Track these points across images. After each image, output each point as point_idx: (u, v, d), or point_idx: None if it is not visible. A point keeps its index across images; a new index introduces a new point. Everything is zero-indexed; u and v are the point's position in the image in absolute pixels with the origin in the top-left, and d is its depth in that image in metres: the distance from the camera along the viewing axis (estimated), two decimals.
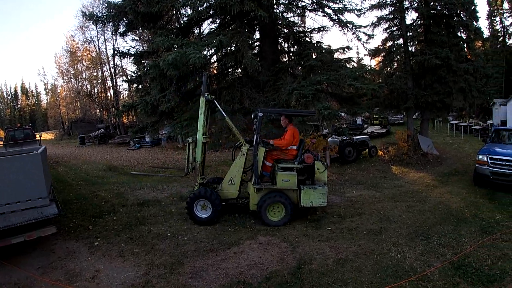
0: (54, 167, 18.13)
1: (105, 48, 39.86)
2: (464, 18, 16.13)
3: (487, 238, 6.56)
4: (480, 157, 10.40)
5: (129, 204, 9.56)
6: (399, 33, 17.21)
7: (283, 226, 7.42)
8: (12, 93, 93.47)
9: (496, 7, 44.45)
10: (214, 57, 12.84)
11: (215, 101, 7.98)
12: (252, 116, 7.89)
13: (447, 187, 10.85)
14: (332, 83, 10.40)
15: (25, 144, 16.42)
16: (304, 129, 10.65)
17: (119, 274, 5.56)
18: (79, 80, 48.66)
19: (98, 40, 40.07)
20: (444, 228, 7.19)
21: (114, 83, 40.25)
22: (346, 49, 12.12)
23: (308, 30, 12.98)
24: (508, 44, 43.74)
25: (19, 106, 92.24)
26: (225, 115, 7.98)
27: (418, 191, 10.49)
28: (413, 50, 17.43)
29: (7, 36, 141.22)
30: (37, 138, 20.24)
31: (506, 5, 43.77)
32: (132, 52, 13.41)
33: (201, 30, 13.99)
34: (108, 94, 43.43)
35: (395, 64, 18.77)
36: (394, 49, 17.60)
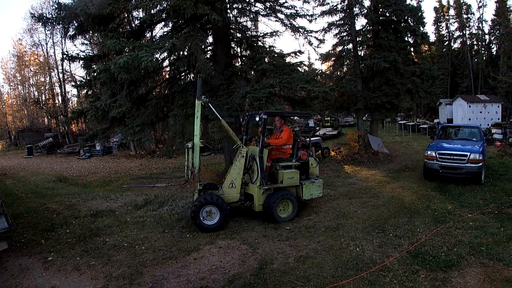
0: (1, 179, 17.10)
1: (54, 53, 38.01)
2: (412, 24, 17.10)
3: (441, 227, 6.99)
4: (429, 152, 10.99)
5: (82, 215, 9.16)
6: (349, 38, 17.91)
7: (290, 220, 7.77)
8: None
9: (442, 13, 47.65)
10: (167, 61, 12.68)
11: (209, 104, 7.87)
12: (257, 118, 7.87)
13: (398, 183, 11.38)
14: (285, 86, 10.60)
15: None
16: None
17: None
18: (26, 86, 46.12)
19: (46, 44, 38.50)
20: (398, 220, 7.56)
21: (63, 89, 38.53)
22: (298, 53, 12.39)
23: (261, 35, 13.10)
24: (453, 47, 47.02)
25: None
26: (220, 118, 7.90)
27: (371, 187, 10.92)
28: (362, 55, 18.20)
29: None
30: None
31: (452, 12, 46.85)
32: (82, 56, 12.93)
33: (154, 34, 13.76)
34: (57, 101, 41.38)
35: (345, 68, 19.54)
36: (344, 53, 18.30)
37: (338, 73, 19.62)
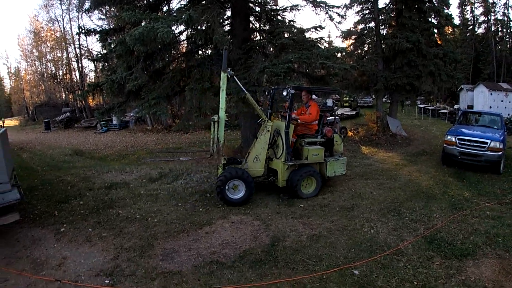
0: (18, 153, 17.33)
1: (70, 28, 37.94)
2: (436, 4, 16.37)
3: (457, 214, 6.73)
4: (449, 137, 10.61)
5: (96, 187, 9.18)
6: (371, 16, 17.34)
7: (313, 197, 7.76)
8: None
9: None
10: (184, 35, 12.45)
11: (235, 77, 7.70)
12: (284, 93, 7.73)
13: (416, 166, 11.08)
14: (304, 61, 10.25)
15: None
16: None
17: (87, 260, 5.31)
18: (43, 62, 46.46)
19: (63, 19, 38.21)
20: (415, 204, 7.32)
21: (80, 65, 38.69)
22: (318, 29, 11.92)
23: (280, 9, 12.68)
24: (477, 32, 45.16)
25: None
26: (245, 92, 7.78)
27: (388, 169, 10.66)
28: (384, 34, 17.59)
29: None
30: (1, 124, 19.23)
31: None
32: (98, 30, 12.81)
33: (171, 7, 13.48)
34: (74, 76, 41.77)
35: (366, 47, 18.93)
36: (366, 32, 17.72)
37: (359, 51, 19.08)
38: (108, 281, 4.69)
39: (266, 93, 8.32)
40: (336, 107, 30.68)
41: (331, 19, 13.08)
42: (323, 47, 11.30)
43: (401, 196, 7.91)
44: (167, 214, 6.95)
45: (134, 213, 7.13)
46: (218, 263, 4.96)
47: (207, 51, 13.10)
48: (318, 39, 11.71)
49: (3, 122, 18.77)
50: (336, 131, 8.53)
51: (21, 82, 55.62)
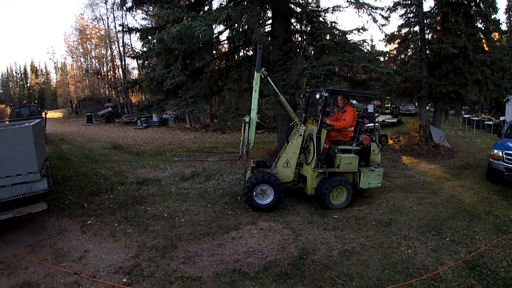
0: (58, 144, 17.96)
1: (114, 27, 39.38)
2: (483, 9, 15.40)
3: (502, 237, 6.07)
4: (495, 151, 9.78)
5: (128, 182, 9.21)
6: (415, 20, 16.54)
7: (343, 208, 7.26)
8: (22, 72, 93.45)
9: None
10: (224, 36, 12.41)
11: (268, 78, 7.44)
12: (317, 96, 7.43)
13: (459, 181, 10.31)
14: (346, 64, 9.86)
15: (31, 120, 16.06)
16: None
17: (108, 255, 5.25)
18: (88, 58, 48.62)
19: (107, 18, 40.01)
20: (457, 223, 6.69)
21: (123, 62, 39.93)
22: (361, 30, 11.47)
23: (322, 10, 12.34)
24: None
25: (28, 84, 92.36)
26: (278, 93, 7.54)
27: (429, 182, 9.97)
28: (429, 38, 16.76)
29: (16, 14, 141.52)
30: (42, 115, 19.97)
31: None
32: (139, 28, 13.05)
33: (211, 8, 13.46)
34: (117, 73, 43.18)
35: (410, 52, 18.12)
36: (410, 36, 16.96)
37: (403, 56, 18.28)
38: (125, 280, 4.58)
39: (302, 95, 7.93)
40: (377, 114, 29.74)
41: (375, 21, 12.59)
42: (365, 50, 10.85)
43: (443, 213, 7.29)
44: (195, 215, 6.79)
45: (162, 211, 7.03)
46: (240, 273, 4.69)
47: (248, 52, 12.97)
48: (361, 41, 11.28)
49: (46, 114, 19.43)
50: (374, 139, 7.95)
51: (67, 77, 58.37)
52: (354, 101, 21.61)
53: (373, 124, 16.42)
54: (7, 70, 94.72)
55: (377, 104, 33.16)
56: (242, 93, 10.40)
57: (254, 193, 7.00)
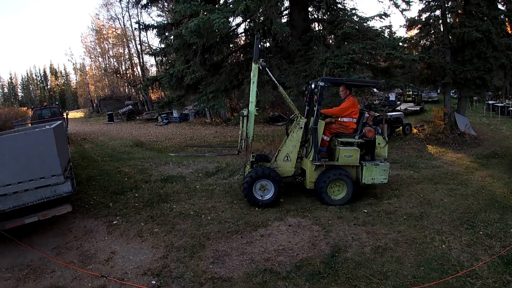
0: (81, 143, 18.20)
1: (130, 25, 39.96)
2: None
3: None
4: None
5: (153, 180, 9.17)
6: (436, 3, 15.93)
7: (342, 205, 6.89)
8: (41, 74, 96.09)
9: None
10: (242, 28, 12.25)
11: (266, 69, 7.17)
12: (312, 86, 7.19)
13: (487, 171, 9.89)
14: (369, 52, 9.59)
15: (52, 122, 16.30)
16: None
17: (135, 256, 5.20)
18: (106, 58, 49.38)
19: (123, 17, 40.26)
20: (489, 216, 6.36)
21: (141, 60, 40.26)
22: (383, 16, 11.12)
23: None
24: None
25: (48, 86, 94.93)
26: (278, 85, 7.29)
27: (458, 173, 9.60)
28: (451, 22, 16.15)
29: (33, 18, 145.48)
30: (63, 116, 20.27)
31: None
32: (155, 24, 13.00)
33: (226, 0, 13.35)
34: (135, 71, 43.59)
35: (432, 37, 17.53)
36: (431, 21, 16.38)
37: (424, 41, 17.69)
38: (154, 282, 4.51)
39: (304, 88, 7.62)
40: (399, 102, 29.07)
41: (397, 6, 12.19)
42: (388, 37, 10.52)
43: (475, 205, 6.95)
44: (222, 212, 6.69)
45: (188, 209, 6.95)
46: (272, 272, 4.55)
47: (265, 44, 12.78)
48: (383, 28, 10.95)
49: (67, 115, 19.75)
50: (379, 131, 7.45)
51: (86, 77, 59.49)
52: (375, 89, 21.05)
53: (396, 113, 16.12)
54: (27, 73, 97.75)
55: (399, 92, 32.37)
56: (263, 86, 10.22)
57: (254, 189, 6.86)
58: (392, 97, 27.93)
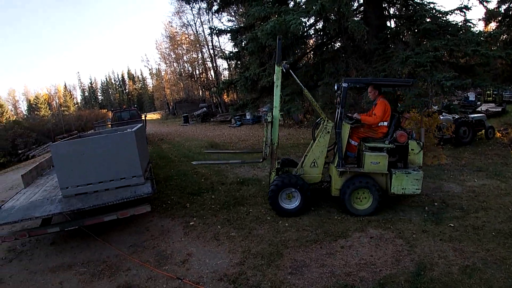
0: (158, 144, 19.15)
1: (203, 31, 41.71)
2: None
3: None
4: None
5: (229, 182, 9.31)
6: None
7: (367, 216, 6.44)
8: (120, 79, 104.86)
9: None
10: (312, 29, 11.97)
11: (290, 71, 6.90)
12: (335, 87, 6.83)
13: None
14: (452, 49, 8.84)
15: (131, 124, 17.34)
16: (415, 104, 9.17)
17: (212, 260, 5.22)
18: (181, 63, 51.93)
19: (195, 23, 41.93)
20: None
21: (214, 64, 41.58)
22: (464, 10, 10.19)
23: None
24: None
25: (126, 90, 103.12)
26: (303, 87, 7.01)
27: None
28: None
29: (111, 27, 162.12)
30: (142, 118, 21.51)
31: None
32: (229, 29, 13.25)
33: (297, 1, 13.17)
34: (209, 75, 45.14)
35: None
36: (510, 12, 14.76)
37: (505, 36, 15.98)
38: None
39: (336, 87, 7.07)
40: (479, 102, 26.62)
41: None
42: (471, 31, 9.60)
43: None
44: (299, 219, 6.48)
45: (264, 214, 6.87)
46: None
47: (336, 44, 12.41)
48: (463, 22, 10.04)
49: (145, 117, 20.94)
50: (413, 136, 6.67)
51: (162, 81, 63.02)
52: (470, 93, 19.37)
53: (478, 115, 14.65)
54: (106, 78, 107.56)
55: (478, 91, 29.58)
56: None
57: (280, 198, 6.60)
58: (471, 97, 25.47)
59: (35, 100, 79.25)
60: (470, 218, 6.23)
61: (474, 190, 7.66)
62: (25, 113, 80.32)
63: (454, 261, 4.79)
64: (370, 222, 6.17)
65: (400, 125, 6.76)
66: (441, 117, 13.49)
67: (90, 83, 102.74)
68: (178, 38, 47.58)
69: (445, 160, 10.00)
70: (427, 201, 6.97)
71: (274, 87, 6.81)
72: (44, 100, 79.60)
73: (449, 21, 9.97)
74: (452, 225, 5.95)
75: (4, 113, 66.85)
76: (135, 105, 48.28)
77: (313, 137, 7.09)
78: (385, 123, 6.62)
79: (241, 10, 23.51)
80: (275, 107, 6.87)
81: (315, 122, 7.30)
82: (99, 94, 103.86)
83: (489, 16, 15.34)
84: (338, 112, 6.66)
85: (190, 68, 50.51)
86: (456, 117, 13.65)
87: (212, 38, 38.55)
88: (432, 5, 10.43)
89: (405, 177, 6.33)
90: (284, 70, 6.76)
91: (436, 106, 19.60)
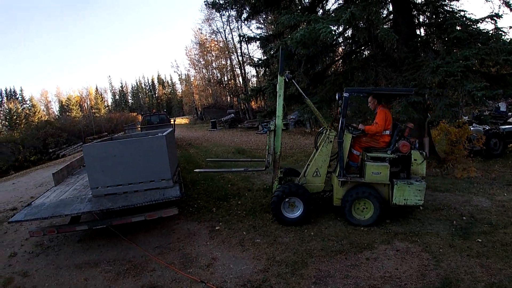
0: (186, 148, 19.44)
1: (232, 38, 41.87)
2: None
3: None
4: None
5: (255, 188, 9.37)
6: None
7: (368, 226, 6.39)
8: (150, 84, 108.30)
9: None
10: (341, 38, 11.92)
11: (293, 81, 7.01)
12: (337, 97, 6.88)
13: None
14: (483, 58, 8.62)
15: (160, 128, 17.68)
16: (445, 114, 8.94)
17: (236, 265, 5.27)
18: (210, 69, 52.65)
19: (224, 31, 42.84)
20: None
21: (243, 71, 41.96)
22: (495, 18, 9.89)
23: None
24: None
25: (156, 95, 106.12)
26: (305, 97, 7.09)
27: None
28: None
29: (145, 34, 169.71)
30: (171, 122, 21.97)
31: None
32: (258, 37, 13.35)
33: (326, 9, 13.13)
34: (237, 81, 45.59)
35: None
36: None
37: None
38: None
39: (337, 97, 7.00)
40: (510, 113, 25.52)
41: (508, 5, 10.68)
42: (501, 41, 9.31)
43: None
44: (325, 228, 6.45)
45: None
46: None
47: (365, 52, 12.32)
48: (494, 30, 9.76)
49: (174, 121, 21.38)
50: (416, 146, 6.57)
51: (191, 87, 64.14)
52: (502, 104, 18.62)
53: (509, 126, 14.00)
54: (136, 82, 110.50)
55: (510, 102, 28.38)
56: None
57: (282, 207, 6.60)
58: (503, 107, 24.43)
59: (67, 102, 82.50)
60: (498, 233, 6.01)
61: (503, 204, 7.39)
62: (56, 113, 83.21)
63: (480, 278, 4.64)
64: (397, 234, 6.06)
65: (404, 135, 6.65)
66: (471, 128, 13.09)
67: (121, 86, 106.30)
68: (207, 45, 48.33)
69: (475, 173, 9.71)
70: (456, 215, 6.80)
71: (277, 97, 6.88)
72: (76, 101, 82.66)
73: (480, 29, 9.73)
74: (480, 240, 5.76)
75: (37, 113, 70.30)
76: (165, 110, 49.32)
77: (315, 147, 7.13)
78: (388, 132, 6.64)
79: (270, 17, 23.65)
80: (277, 116, 6.92)
81: (318, 132, 7.38)
82: (129, 97, 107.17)
83: None
84: (340, 121, 6.65)
85: (218, 75, 51.28)
86: (487, 128, 13.20)
87: (241, 45, 38.94)
88: (462, 13, 10.23)
89: (407, 188, 6.29)
90: (287, 80, 6.85)
91: (467, 117, 19.02)
